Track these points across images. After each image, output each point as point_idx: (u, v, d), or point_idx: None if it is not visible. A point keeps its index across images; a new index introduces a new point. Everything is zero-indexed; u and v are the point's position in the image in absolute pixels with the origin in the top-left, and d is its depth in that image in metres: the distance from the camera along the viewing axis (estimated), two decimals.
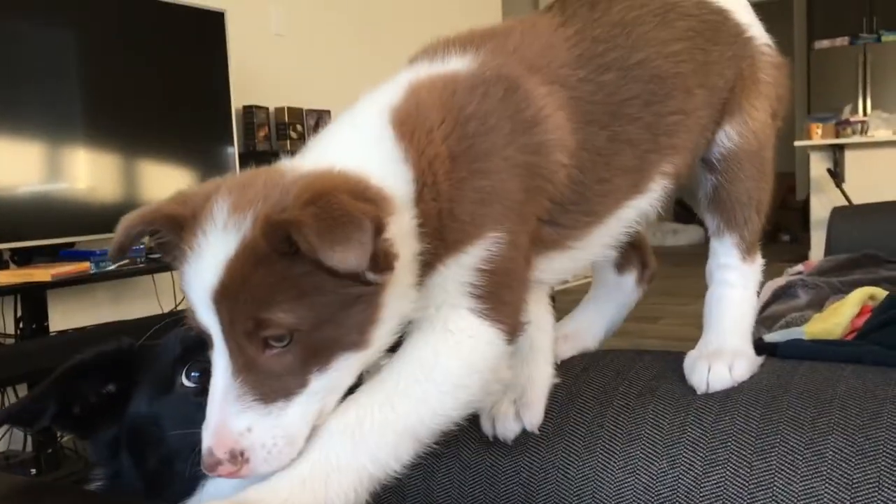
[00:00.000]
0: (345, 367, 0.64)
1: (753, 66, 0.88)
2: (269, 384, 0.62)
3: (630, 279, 1.01)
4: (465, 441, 0.79)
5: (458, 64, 0.76)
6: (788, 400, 0.70)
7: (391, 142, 0.69)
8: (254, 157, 3.86)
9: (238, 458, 0.61)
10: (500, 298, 0.69)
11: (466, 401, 0.68)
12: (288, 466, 0.63)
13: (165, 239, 0.69)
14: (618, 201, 0.79)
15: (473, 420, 0.79)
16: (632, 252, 0.98)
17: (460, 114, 0.70)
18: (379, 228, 0.60)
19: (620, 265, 1.00)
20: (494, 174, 0.69)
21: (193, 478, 0.75)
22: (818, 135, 6.38)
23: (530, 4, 6.95)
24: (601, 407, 0.76)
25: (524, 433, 0.76)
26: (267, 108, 4.01)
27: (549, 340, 0.82)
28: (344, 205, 0.59)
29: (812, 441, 0.67)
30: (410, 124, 0.70)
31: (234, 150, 3.33)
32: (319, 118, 4.26)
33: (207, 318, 0.63)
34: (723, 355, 0.79)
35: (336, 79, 4.54)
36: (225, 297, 0.61)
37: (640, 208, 0.82)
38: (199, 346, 0.77)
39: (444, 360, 0.67)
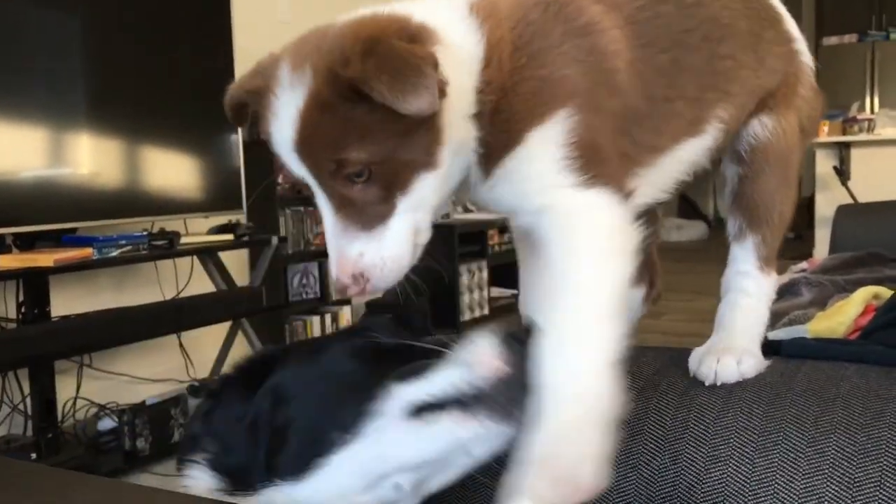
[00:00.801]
0: (424, 186, 0.72)
1: (797, 79, 0.93)
2: (365, 214, 0.71)
3: (638, 295, 1.02)
4: None
5: None
6: (791, 398, 0.70)
7: (469, 15, 0.77)
8: (258, 145, 3.86)
9: (360, 279, 0.72)
10: (597, 165, 0.74)
11: (624, 267, 0.73)
12: (550, 429, 0.65)
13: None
14: (681, 131, 0.83)
15: None
16: (644, 269, 0.99)
17: (524, 18, 0.77)
18: (435, 66, 0.66)
19: (632, 279, 1.00)
20: (551, 65, 0.75)
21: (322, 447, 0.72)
22: (824, 132, 6.36)
23: None
24: None
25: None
26: None
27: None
28: (401, 52, 0.66)
29: (814, 439, 0.67)
30: (486, 10, 0.77)
31: (237, 138, 3.32)
32: None
33: (298, 169, 0.72)
34: (732, 350, 0.81)
35: None
36: (304, 146, 0.70)
37: (696, 151, 0.85)
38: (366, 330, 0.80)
39: (582, 246, 0.73)
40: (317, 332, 4.20)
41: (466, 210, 5.41)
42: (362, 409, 0.71)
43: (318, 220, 4.23)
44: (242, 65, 3.31)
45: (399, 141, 0.70)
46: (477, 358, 0.72)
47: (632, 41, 0.79)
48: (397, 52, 0.66)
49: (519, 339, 0.72)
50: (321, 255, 4.29)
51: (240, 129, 3.33)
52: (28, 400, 2.70)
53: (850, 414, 0.68)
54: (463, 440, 0.70)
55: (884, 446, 0.65)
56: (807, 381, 0.74)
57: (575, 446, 0.65)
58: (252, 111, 0.79)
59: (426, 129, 0.70)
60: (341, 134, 0.69)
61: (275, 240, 3.38)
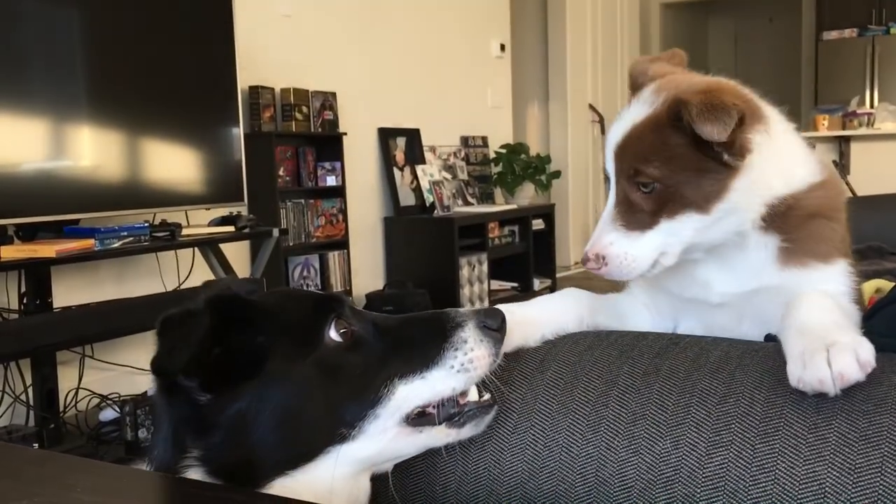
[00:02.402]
0: (686, 222, 0.86)
1: None
2: (632, 217, 0.87)
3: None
4: None
5: None
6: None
7: (810, 159, 0.94)
8: (259, 137, 3.86)
9: (600, 260, 0.87)
10: None
11: None
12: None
13: None
14: None
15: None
16: None
17: None
18: (741, 120, 0.81)
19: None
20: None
21: (318, 445, 0.74)
22: (824, 126, 6.36)
23: None
24: (606, 386, 0.77)
25: (530, 409, 0.77)
26: (273, 89, 4.00)
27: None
28: (722, 97, 0.81)
29: (816, 425, 0.67)
30: (828, 174, 0.95)
31: (238, 131, 3.32)
32: (325, 100, 4.25)
33: (610, 166, 0.90)
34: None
35: (343, 61, 4.53)
36: (622, 150, 0.88)
37: None
38: (332, 304, 0.80)
39: None
40: None
41: (466, 203, 5.41)
42: (365, 411, 0.75)
43: (318, 213, 4.23)
44: (243, 57, 3.31)
45: (689, 177, 0.84)
46: (476, 357, 0.78)
47: None
48: (720, 95, 0.81)
49: (500, 325, 0.80)
50: (322, 247, 4.30)
51: (241, 122, 3.33)
52: (30, 390, 2.70)
53: (851, 400, 0.68)
54: (444, 443, 0.79)
55: (885, 432, 0.65)
56: None
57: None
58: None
59: (716, 181, 0.84)
60: (651, 150, 0.85)
61: (276, 232, 3.38)
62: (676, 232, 0.86)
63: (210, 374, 0.73)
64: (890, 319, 0.84)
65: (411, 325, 0.82)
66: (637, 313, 1.00)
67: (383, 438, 0.76)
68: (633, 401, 0.74)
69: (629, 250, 0.87)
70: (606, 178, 0.92)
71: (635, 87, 0.93)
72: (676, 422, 0.72)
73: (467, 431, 0.78)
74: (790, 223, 0.90)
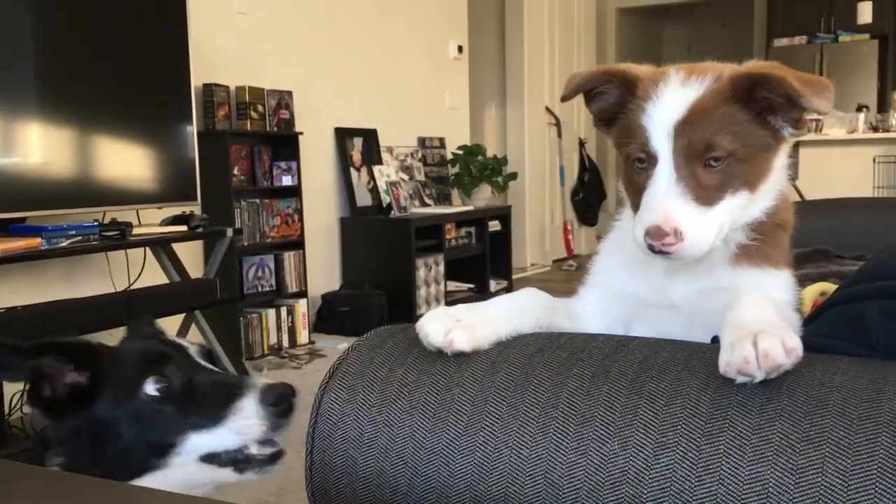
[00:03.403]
0: (739, 199, 0.87)
1: None
2: (702, 192, 0.85)
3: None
4: (419, 421, 0.79)
5: None
6: (737, 385, 0.71)
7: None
8: (213, 135, 3.81)
9: (679, 234, 0.83)
10: None
11: None
12: None
13: (604, 91, 0.94)
14: None
15: (427, 400, 0.79)
16: None
17: None
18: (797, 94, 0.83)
19: None
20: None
21: (142, 468, 1.04)
22: None
23: None
24: (556, 388, 0.77)
25: (480, 411, 0.77)
26: (228, 87, 3.95)
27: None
28: (804, 74, 0.85)
29: (759, 426, 0.68)
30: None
31: (192, 129, 3.27)
32: (281, 99, 4.22)
33: (661, 144, 0.86)
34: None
35: (299, 60, 4.49)
36: (686, 125, 0.85)
37: None
38: (161, 360, 1.07)
39: None
40: (272, 326, 4.16)
41: (423, 204, 5.41)
42: (168, 451, 1.04)
43: (273, 213, 4.19)
44: (197, 55, 3.27)
45: (753, 152, 0.87)
46: (247, 425, 1.05)
47: None
48: (800, 73, 0.85)
49: (277, 401, 1.05)
50: (277, 247, 4.26)
51: (195, 120, 3.29)
52: None
53: (794, 401, 0.69)
54: (234, 479, 1.07)
55: (826, 433, 0.67)
56: None
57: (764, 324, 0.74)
58: (597, 93, 0.95)
59: (765, 157, 0.88)
60: (723, 125, 0.85)
61: (230, 231, 3.35)
62: (734, 209, 0.87)
63: (44, 407, 1.04)
64: (833, 321, 0.86)
65: (216, 387, 1.07)
66: (590, 317, 1.01)
67: (184, 472, 1.05)
68: (583, 402, 0.75)
69: (703, 224, 0.85)
70: (639, 160, 0.89)
71: (627, 81, 0.92)
72: (625, 423, 0.72)
73: (249, 476, 1.07)
74: (763, 227, 0.93)
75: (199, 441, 1.04)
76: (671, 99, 0.86)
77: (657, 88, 0.88)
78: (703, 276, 0.93)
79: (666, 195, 0.85)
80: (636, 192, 0.89)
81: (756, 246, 0.93)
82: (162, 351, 1.10)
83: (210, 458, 1.05)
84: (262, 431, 1.05)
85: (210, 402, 1.05)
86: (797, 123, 0.87)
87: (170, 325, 3.27)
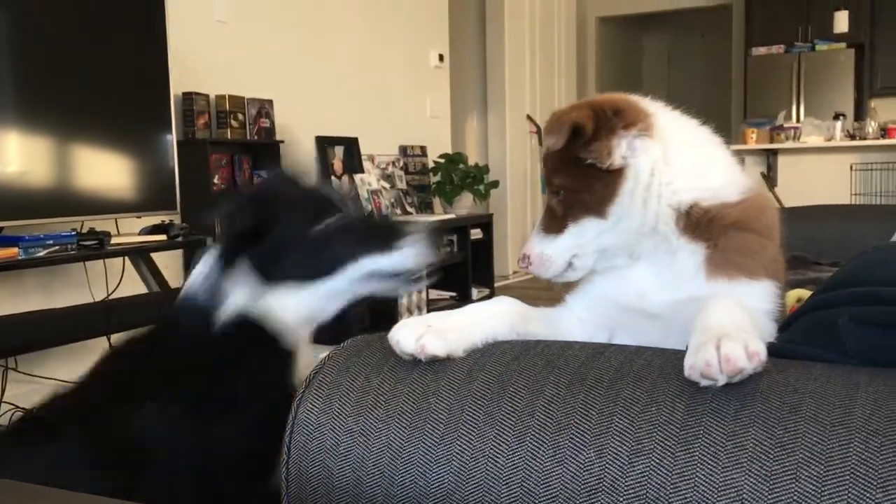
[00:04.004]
0: (588, 225, 0.97)
1: None
2: (553, 222, 1.00)
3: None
4: (396, 430, 0.79)
5: None
6: (712, 392, 0.71)
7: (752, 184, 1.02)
8: (193, 144, 3.80)
9: (527, 259, 1.02)
10: None
11: None
12: None
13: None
14: None
15: (404, 409, 0.79)
16: None
17: None
18: (577, 131, 0.94)
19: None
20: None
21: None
22: (753, 139, 6.54)
23: None
24: (532, 396, 0.77)
25: (457, 420, 0.77)
26: (207, 96, 3.94)
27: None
28: (569, 114, 0.96)
29: (734, 433, 0.69)
30: None
31: (172, 138, 3.25)
32: (262, 107, 4.20)
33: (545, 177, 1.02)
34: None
35: (280, 69, 4.48)
36: (544, 162, 1.02)
37: None
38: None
39: None
40: None
41: (405, 212, 5.40)
42: (339, 268, 1.33)
43: None
44: (177, 64, 3.25)
45: (584, 183, 0.96)
46: (413, 251, 1.34)
47: None
48: (567, 112, 0.96)
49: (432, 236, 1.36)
50: None
51: (174, 128, 3.27)
52: None
53: (768, 408, 0.70)
54: (395, 291, 1.40)
55: (800, 439, 0.67)
56: None
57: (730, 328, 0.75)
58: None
59: (605, 186, 0.95)
60: (558, 161, 0.98)
61: (209, 241, 3.32)
62: (581, 234, 0.97)
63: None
64: (806, 328, 0.87)
65: (392, 225, 1.44)
66: (571, 325, 1.01)
67: (350, 281, 1.35)
68: (559, 410, 0.75)
69: (545, 251, 0.99)
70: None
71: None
72: (600, 431, 0.72)
73: (395, 287, 1.38)
74: (714, 232, 0.95)
75: (377, 261, 1.33)
76: (550, 140, 1.00)
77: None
78: (678, 287, 0.95)
79: (537, 225, 1.03)
80: None
81: (719, 253, 0.95)
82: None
83: (374, 276, 1.34)
84: (427, 260, 1.34)
85: (387, 234, 1.36)
86: (592, 154, 0.95)
87: None
